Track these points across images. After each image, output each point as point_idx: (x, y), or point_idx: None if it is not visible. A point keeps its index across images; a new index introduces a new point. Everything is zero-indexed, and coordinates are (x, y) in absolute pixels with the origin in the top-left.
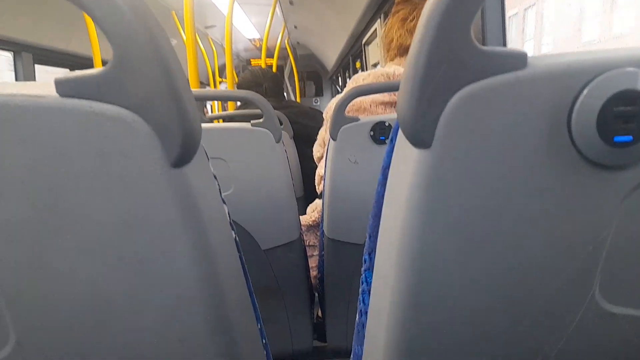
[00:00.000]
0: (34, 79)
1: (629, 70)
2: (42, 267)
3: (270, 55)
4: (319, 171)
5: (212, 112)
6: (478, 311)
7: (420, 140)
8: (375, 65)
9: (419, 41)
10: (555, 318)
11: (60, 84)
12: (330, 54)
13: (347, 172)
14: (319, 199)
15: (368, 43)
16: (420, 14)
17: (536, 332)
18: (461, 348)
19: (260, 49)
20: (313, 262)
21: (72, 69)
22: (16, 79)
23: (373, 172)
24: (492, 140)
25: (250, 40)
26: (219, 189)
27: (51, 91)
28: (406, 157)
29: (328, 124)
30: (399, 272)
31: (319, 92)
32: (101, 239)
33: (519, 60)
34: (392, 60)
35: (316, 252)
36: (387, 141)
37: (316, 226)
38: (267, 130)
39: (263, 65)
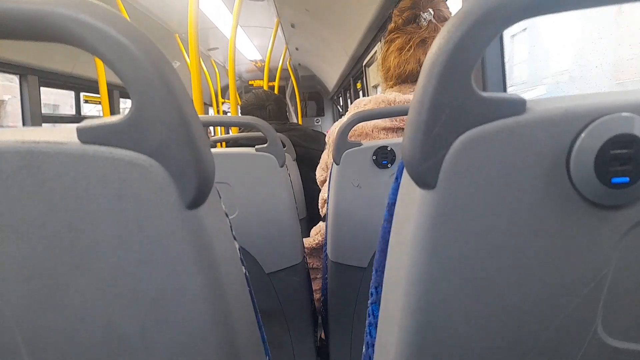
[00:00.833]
0: (39, 102)
1: (624, 115)
2: (58, 305)
3: (272, 76)
4: (322, 195)
5: (214, 134)
6: (483, 349)
7: (424, 181)
8: (375, 87)
9: (423, 87)
10: (559, 353)
11: (81, 132)
12: (331, 75)
13: (350, 196)
14: (323, 221)
15: (369, 65)
16: (416, 44)
17: None
18: None
19: (262, 70)
20: (317, 285)
21: (77, 91)
22: (22, 102)
23: (376, 196)
24: (494, 182)
25: (252, 61)
26: (230, 227)
27: (72, 137)
28: (411, 197)
29: (331, 148)
30: (405, 309)
31: (320, 112)
32: (116, 278)
33: (518, 105)
34: (391, 87)
35: (319, 275)
36: (392, 176)
37: (320, 249)
38: (271, 155)
39: (265, 87)
